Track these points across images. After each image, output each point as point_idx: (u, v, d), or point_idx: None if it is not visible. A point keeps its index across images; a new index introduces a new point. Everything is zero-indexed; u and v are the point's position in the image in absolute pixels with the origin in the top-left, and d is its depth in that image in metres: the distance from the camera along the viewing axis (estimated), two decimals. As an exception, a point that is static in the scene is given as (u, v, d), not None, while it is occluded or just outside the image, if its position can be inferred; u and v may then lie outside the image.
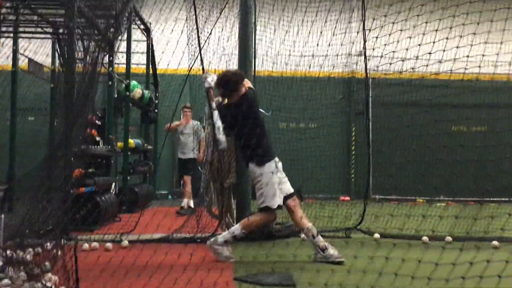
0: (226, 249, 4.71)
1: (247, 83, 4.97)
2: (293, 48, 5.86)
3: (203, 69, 5.91)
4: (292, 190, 4.83)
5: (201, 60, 5.81)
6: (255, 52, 6.27)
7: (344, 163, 12.43)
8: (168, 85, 10.87)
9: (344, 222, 6.52)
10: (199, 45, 5.76)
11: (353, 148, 12.81)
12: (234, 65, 6.24)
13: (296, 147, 5.31)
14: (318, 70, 7.22)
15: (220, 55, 6.35)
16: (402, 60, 6.00)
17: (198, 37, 5.72)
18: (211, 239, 4.78)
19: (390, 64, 6.27)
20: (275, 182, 4.63)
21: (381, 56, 6.31)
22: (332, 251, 4.58)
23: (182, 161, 9.20)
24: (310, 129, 10.44)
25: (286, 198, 4.78)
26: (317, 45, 6.01)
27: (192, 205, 8.67)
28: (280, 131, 7.81)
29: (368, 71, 6.60)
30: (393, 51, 5.95)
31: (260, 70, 7.04)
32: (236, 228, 4.76)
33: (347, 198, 11.85)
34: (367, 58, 6.45)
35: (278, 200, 4.64)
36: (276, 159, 4.78)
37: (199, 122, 9.17)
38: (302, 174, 7.36)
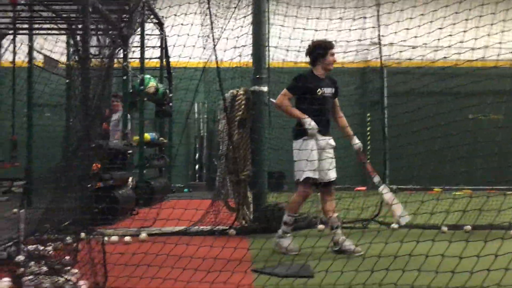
0: (287, 241, 4.70)
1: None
2: (305, 37, 5.80)
3: (217, 62, 5.90)
4: (331, 179, 4.74)
5: (215, 53, 5.81)
6: (268, 43, 6.24)
7: (359, 153, 12.32)
8: (182, 78, 10.85)
9: (361, 213, 6.47)
10: (213, 38, 5.75)
11: (368, 138, 12.72)
12: (248, 58, 6.21)
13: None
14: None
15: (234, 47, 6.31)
16: (414, 47, 5.93)
17: (212, 29, 5.71)
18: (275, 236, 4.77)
19: (401, 52, 6.20)
20: (305, 157, 4.59)
21: (396, 45, 6.25)
22: (348, 244, 4.57)
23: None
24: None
25: (324, 185, 4.74)
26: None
27: None
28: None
29: (383, 60, 6.54)
30: (408, 39, 5.88)
31: (274, 61, 6.99)
32: (284, 215, 4.77)
33: (363, 188, 11.79)
34: (382, 46, 6.39)
35: (307, 173, 4.59)
36: (318, 137, 4.67)
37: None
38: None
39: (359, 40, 6.48)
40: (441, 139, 5.84)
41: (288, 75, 5.82)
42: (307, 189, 4.72)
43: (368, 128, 12.73)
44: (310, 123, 4.61)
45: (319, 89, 4.75)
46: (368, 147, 12.66)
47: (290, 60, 6.11)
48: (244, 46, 6.16)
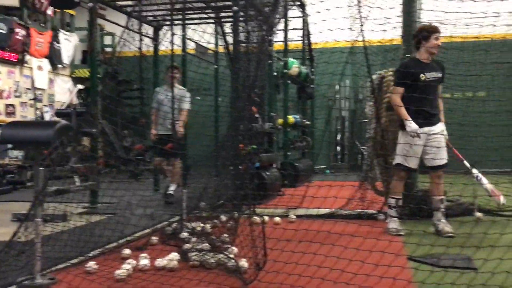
0: (393, 222, 4.85)
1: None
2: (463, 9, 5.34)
3: (364, 42, 5.72)
4: (434, 164, 4.76)
5: (362, 32, 5.64)
6: (419, 17, 5.89)
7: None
8: (325, 59, 10.80)
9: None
10: (360, 17, 5.59)
11: None
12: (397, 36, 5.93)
13: (468, 118, 4.91)
14: (491, 33, 6.56)
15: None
16: None
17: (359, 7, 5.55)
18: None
19: None
20: (405, 147, 4.77)
21: None
22: (442, 225, 4.69)
23: (163, 137, 7.01)
24: (478, 97, 9.58)
25: (431, 168, 4.82)
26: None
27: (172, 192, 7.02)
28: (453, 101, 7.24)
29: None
30: None
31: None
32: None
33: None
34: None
35: (401, 160, 4.79)
36: (418, 130, 4.68)
37: (185, 89, 7.52)
38: (474, 147, 6.75)
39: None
40: None
41: (443, 52, 5.45)
42: (401, 173, 4.87)
43: None
44: (410, 126, 4.68)
45: (421, 74, 4.74)
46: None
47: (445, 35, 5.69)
48: (391, 23, 5.87)
